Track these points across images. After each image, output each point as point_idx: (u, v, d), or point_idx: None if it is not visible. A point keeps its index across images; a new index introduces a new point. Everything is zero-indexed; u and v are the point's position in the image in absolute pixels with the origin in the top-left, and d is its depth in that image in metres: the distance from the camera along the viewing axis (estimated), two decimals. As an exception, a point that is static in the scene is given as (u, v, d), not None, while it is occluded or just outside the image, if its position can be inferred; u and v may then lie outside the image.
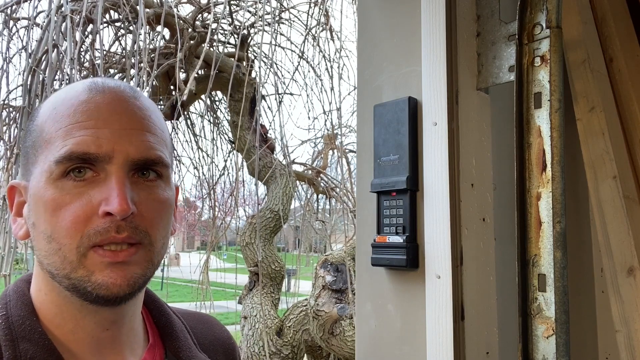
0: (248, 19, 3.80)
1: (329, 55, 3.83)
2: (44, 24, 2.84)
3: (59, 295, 0.57)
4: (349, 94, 4.15)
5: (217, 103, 4.26)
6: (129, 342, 0.62)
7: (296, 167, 4.14)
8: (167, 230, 0.60)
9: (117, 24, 3.36)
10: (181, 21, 3.22)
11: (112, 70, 3.47)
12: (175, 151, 4.00)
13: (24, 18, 3.29)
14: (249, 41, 3.61)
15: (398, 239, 0.88)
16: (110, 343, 0.60)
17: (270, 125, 3.89)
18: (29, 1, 3.22)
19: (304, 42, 3.83)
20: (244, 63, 3.51)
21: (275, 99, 3.57)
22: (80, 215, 0.54)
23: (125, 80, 3.06)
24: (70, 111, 0.56)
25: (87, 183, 0.55)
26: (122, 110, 0.57)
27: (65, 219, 0.53)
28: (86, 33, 2.98)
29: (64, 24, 2.63)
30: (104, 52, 3.30)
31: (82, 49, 3.01)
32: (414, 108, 0.90)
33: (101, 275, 0.54)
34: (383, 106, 0.94)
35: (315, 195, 4.55)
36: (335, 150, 4.37)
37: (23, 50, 3.12)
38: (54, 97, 0.59)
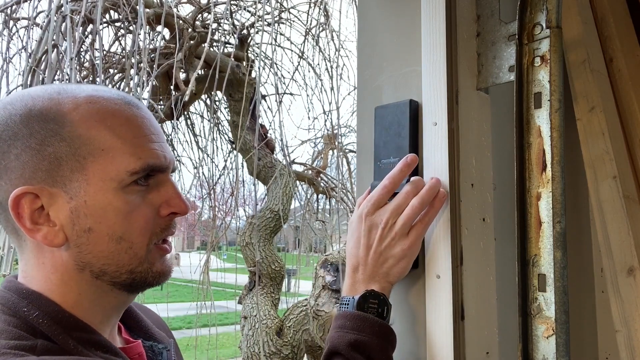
0: (248, 19, 3.80)
1: (329, 55, 3.83)
2: (44, 24, 2.83)
3: (86, 289, 0.62)
4: (349, 94, 4.15)
5: (217, 103, 4.26)
6: (115, 326, 0.69)
7: (296, 167, 4.14)
8: None
9: (117, 24, 3.36)
10: (181, 21, 3.22)
11: (112, 70, 3.47)
12: (175, 151, 4.00)
13: (24, 18, 3.29)
14: (249, 41, 3.61)
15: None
16: (114, 327, 0.68)
17: (270, 126, 3.88)
18: (29, 1, 3.22)
19: (304, 42, 3.83)
20: (244, 63, 3.51)
21: (275, 99, 3.57)
22: (150, 216, 0.62)
23: (125, 80, 3.06)
24: (127, 124, 0.62)
25: (148, 188, 0.63)
26: (157, 124, 0.66)
27: (137, 220, 0.61)
28: (86, 33, 2.97)
29: (63, 24, 2.63)
30: (104, 52, 3.30)
31: (82, 49, 3.01)
32: (415, 110, 0.90)
33: (160, 265, 0.64)
34: (384, 108, 0.94)
35: (315, 195, 4.55)
36: (335, 150, 4.37)
37: (23, 50, 3.12)
38: (87, 105, 0.61)
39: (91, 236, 0.59)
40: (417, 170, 0.88)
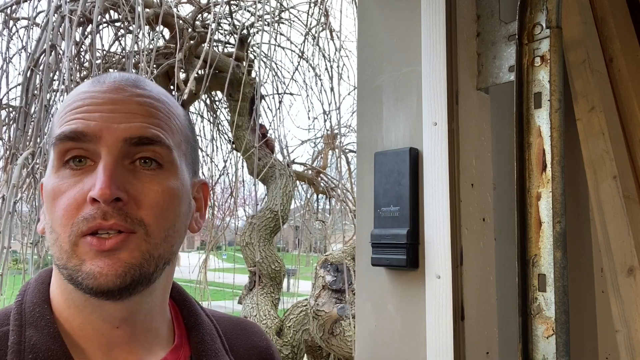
0: (248, 19, 3.80)
1: (329, 55, 3.83)
2: (43, 24, 2.83)
3: (65, 288, 0.56)
4: (349, 94, 4.15)
5: (217, 103, 4.26)
6: (146, 342, 0.59)
7: (296, 167, 4.14)
8: (171, 223, 0.57)
9: (117, 24, 3.36)
10: (181, 21, 3.22)
11: (111, 70, 3.46)
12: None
13: (23, 18, 3.29)
14: (248, 41, 3.61)
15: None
16: (122, 342, 0.57)
17: (270, 125, 3.88)
18: (28, 1, 3.22)
19: (304, 42, 3.83)
20: (244, 63, 3.51)
21: (272, 97, 3.57)
22: (72, 203, 0.52)
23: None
24: (73, 101, 0.56)
25: (83, 172, 0.54)
26: (117, 96, 0.56)
27: (60, 208, 0.53)
28: (85, 33, 2.97)
29: (62, 24, 2.63)
30: (104, 53, 3.30)
31: (81, 49, 3.01)
32: (415, 158, 0.88)
33: (90, 264, 0.52)
34: (383, 155, 0.93)
35: (315, 195, 4.55)
36: (335, 150, 4.37)
37: (23, 50, 3.12)
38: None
39: (45, 224, 0.57)
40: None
